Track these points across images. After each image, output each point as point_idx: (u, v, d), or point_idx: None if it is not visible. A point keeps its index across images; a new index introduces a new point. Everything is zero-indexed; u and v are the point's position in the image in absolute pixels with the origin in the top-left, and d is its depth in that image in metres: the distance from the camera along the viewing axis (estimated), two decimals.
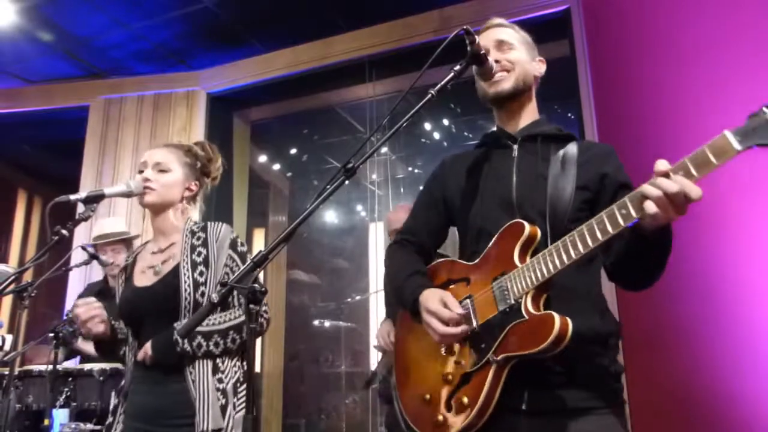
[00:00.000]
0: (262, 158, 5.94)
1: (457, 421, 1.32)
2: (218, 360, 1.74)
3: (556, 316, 1.21)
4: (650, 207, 1.10)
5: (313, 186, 6.28)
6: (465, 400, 1.32)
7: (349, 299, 5.70)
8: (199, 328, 1.69)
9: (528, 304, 1.28)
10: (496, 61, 1.50)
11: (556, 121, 1.60)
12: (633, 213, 1.14)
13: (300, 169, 6.30)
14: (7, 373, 2.77)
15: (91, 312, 1.78)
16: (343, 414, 5.54)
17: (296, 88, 4.85)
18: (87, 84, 5.12)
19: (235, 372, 1.77)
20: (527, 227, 1.34)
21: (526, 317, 1.27)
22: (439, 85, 1.36)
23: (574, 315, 1.22)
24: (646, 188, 1.11)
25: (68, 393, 2.83)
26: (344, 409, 5.54)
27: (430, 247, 1.63)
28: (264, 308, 1.79)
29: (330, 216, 6.09)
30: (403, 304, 1.55)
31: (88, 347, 3.18)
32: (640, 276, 1.35)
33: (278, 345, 5.51)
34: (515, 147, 1.51)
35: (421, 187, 1.72)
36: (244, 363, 1.81)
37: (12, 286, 1.83)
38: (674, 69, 2.92)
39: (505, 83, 1.51)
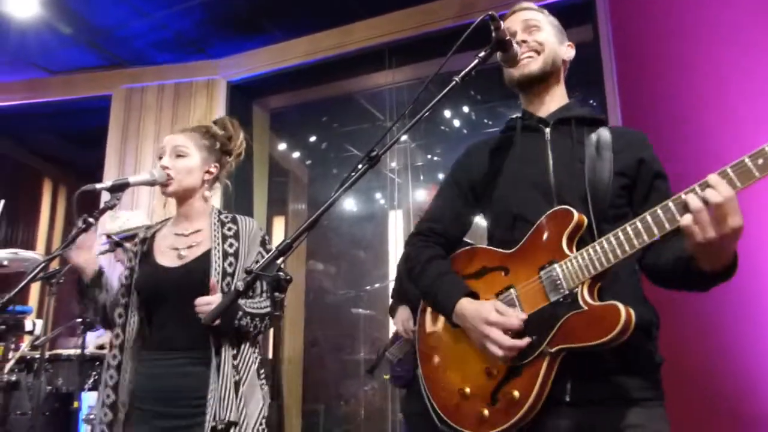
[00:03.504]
0: (282, 146, 5.97)
1: (507, 415, 1.27)
2: (241, 348, 1.75)
3: (621, 307, 1.17)
4: (686, 219, 1.10)
5: (332, 174, 6.28)
6: (516, 393, 1.27)
7: (368, 287, 5.72)
8: (248, 309, 1.72)
9: (585, 295, 1.24)
10: (524, 42, 1.47)
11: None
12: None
13: (319, 157, 6.31)
14: (38, 356, 2.85)
15: (88, 241, 1.79)
16: (362, 401, 5.58)
17: (315, 76, 4.85)
18: (109, 74, 5.17)
19: (255, 359, 1.79)
20: (575, 215, 1.30)
21: (585, 308, 1.23)
22: (463, 72, 1.34)
23: (620, 299, 1.20)
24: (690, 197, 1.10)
25: (96, 376, 2.89)
26: (363, 396, 5.58)
27: (455, 236, 1.56)
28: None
29: (349, 204, 6.10)
30: (436, 309, 1.49)
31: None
32: (678, 287, 1.33)
33: (298, 332, 5.56)
34: (547, 130, 1.47)
35: (444, 175, 1.65)
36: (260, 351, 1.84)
37: (41, 273, 1.86)
38: (702, 53, 2.86)
39: (533, 65, 1.47)
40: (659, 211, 1.16)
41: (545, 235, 1.34)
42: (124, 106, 5.09)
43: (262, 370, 1.81)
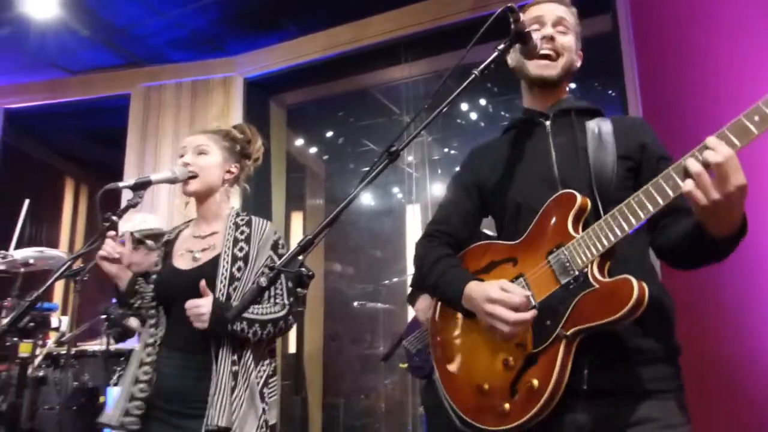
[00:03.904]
0: (299, 142, 5.98)
1: (528, 406, 1.25)
2: (243, 355, 1.76)
3: (634, 280, 1.16)
4: (688, 184, 1.10)
5: (349, 169, 6.29)
6: (535, 382, 1.25)
7: (386, 281, 5.73)
8: (246, 315, 1.72)
9: (595, 273, 1.24)
10: (550, 38, 1.47)
11: (596, 98, 1.58)
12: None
13: (336, 153, 6.32)
14: (64, 352, 2.90)
15: (113, 253, 1.82)
16: (382, 394, 5.60)
17: (331, 71, 4.85)
18: (127, 73, 5.22)
19: (265, 368, 1.80)
20: (578, 197, 1.31)
21: (596, 286, 1.22)
22: (483, 65, 1.33)
23: None
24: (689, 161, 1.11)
25: (121, 372, 2.94)
26: (383, 389, 5.60)
27: (463, 236, 1.57)
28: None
29: (367, 199, 6.11)
30: (444, 300, 1.50)
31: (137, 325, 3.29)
32: (691, 264, 1.33)
33: (317, 326, 5.59)
34: (548, 123, 1.49)
35: (449, 181, 1.67)
36: (275, 358, 1.85)
37: (66, 271, 1.89)
38: (725, 44, 2.81)
39: (552, 71, 1.48)
40: (661, 180, 1.16)
41: (550, 221, 1.34)
42: (143, 104, 5.14)
43: (273, 379, 1.81)
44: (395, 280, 5.57)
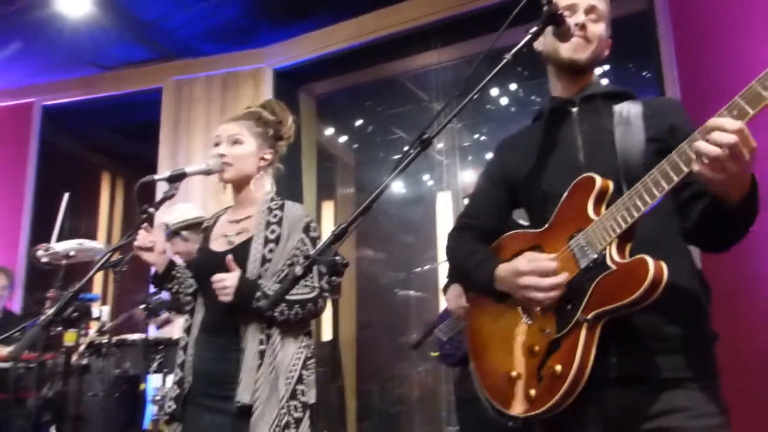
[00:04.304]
0: (328, 131, 6.00)
1: (552, 391, 1.25)
2: (271, 336, 1.78)
3: (650, 259, 1.15)
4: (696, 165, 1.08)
5: (379, 158, 6.29)
6: (558, 368, 1.25)
7: (418, 269, 5.73)
8: (269, 291, 1.75)
9: (613, 255, 1.23)
10: (582, 26, 1.45)
11: (631, 80, 1.56)
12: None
13: (366, 141, 6.32)
14: (105, 341, 2.99)
15: (146, 242, 1.86)
16: (414, 381, 5.62)
17: (360, 60, 4.83)
18: (159, 67, 5.29)
19: (302, 350, 1.83)
20: (598, 179, 1.30)
21: (614, 267, 1.21)
22: (515, 49, 1.32)
23: None
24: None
25: (160, 360, 3.01)
26: (416, 377, 5.62)
27: (493, 228, 1.57)
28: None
29: (397, 187, 6.10)
30: (476, 287, 1.52)
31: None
32: (718, 241, 1.30)
33: (350, 314, 5.64)
34: (574, 110, 1.47)
35: (479, 173, 1.69)
36: (311, 339, 1.88)
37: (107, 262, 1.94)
38: (766, 21, 2.72)
39: (583, 53, 1.45)
40: (674, 156, 1.14)
41: (572, 206, 1.34)
42: (174, 98, 5.21)
43: (311, 361, 1.84)
44: (426, 267, 5.57)
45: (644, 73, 4.38)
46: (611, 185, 1.30)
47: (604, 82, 1.74)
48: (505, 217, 1.60)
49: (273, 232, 1.86)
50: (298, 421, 1.74)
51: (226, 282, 1.73)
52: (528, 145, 1.53)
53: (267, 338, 1.77)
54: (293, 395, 1.75)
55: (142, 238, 1.85)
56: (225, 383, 1.76)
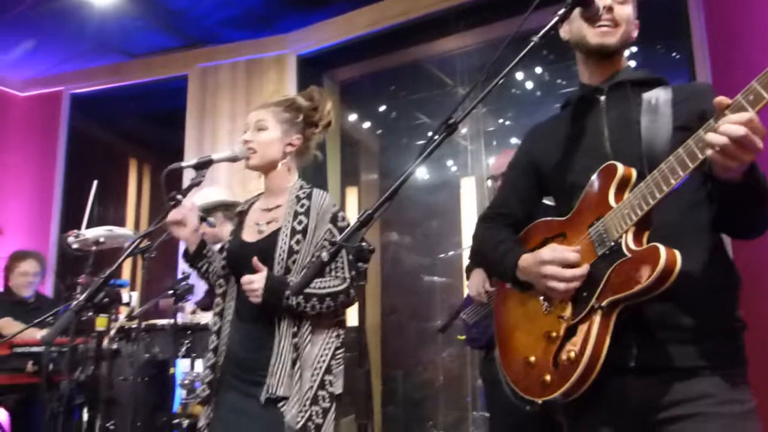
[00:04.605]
0: (352, 117, 5.99)
1: (566, 377, 1.26)
2: (302, 327, 1.80)
3: (662, 248, 1.15)
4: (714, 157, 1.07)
5: (402, 143, 6.26)
6: (572, 354, 1.26)
7: (442, 254, 5.72)
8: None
9: (629, 242, 1.22)
10: (610, 9, 1.42)
11: (660, 62, 1.52)
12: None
13: (389, 127, 6.29)
14: (135, 326, 3.05)
15: (177, 216, 1.87)
16: (440, 366, 5.64)
17: (383, 45, 4.80)
18: (184, 54, 5.33)
19: (332, 340, 1.84)
20: (620, 167, 1.29)
21: (629, 255, 1.21)
22: (542, 31, 1.30)
23: (683, 255, 1.15)
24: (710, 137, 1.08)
25: (188, 344, 3.06)
26: (441, 362, 5.63)
27: (522, 217, 1.58)
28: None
29: (421, 172, 6.08)
30: (501, 275, 1.52)
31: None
32: (742, 225, 1.29)
33: (375, 300, 5.66)
34: (602, 98, 1.45)
35: (517, 141, 1.70)
36: (343, 329, 1.89)
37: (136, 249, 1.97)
38: None
39: (612, 38, 1.42)
40: (691, 143, 1.12)
41: (594, 194, 1.34)
42: (200, 85, 5.25)
43: (340, 351, 1.85)
44: (451, 253, 5.56)
45: (674, 55, 4.27)
46: (634, 173, 1.29)
47: (632, 64, 1.69)
48: (534, 205, 1.60)
49: (300, 222, 1.86)
50: (325, 411, 1.76)
51: (255, 285, 1.75)
52: (556, 134, 1.52)
53: (298, 330, 1.79)
54: (321, 385, 1.77)
55: (174, 212, 1.86)
56: (256, 370, 1.79)
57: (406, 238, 6.11)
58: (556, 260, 1.31)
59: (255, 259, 1.78)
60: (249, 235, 1.94)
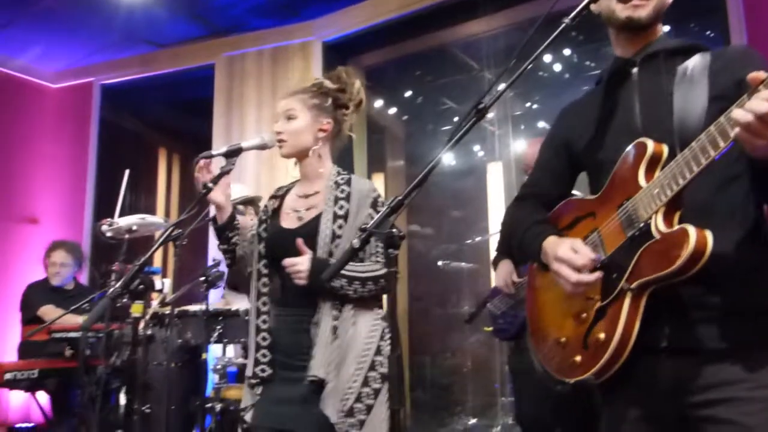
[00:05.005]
0: (377, 103, 5.97)
1: (595, 359, 1.25)
2: (343, 311, 1.82)
3: (691, 229, 1.11)
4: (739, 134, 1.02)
5: (428, 129, 6.23)
6: (602, 336, 1.25)
7: (469, 240, 5.70)
8: (344, 272, 1.77)
9: (658, 224, 1.19)
10: None
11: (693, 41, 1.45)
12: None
13: (415, 112, 6.25)
14: (168, 313, 3.11)
15: (207, 177, 1.89)
16: (467, 353, 5.64)
17: (409, 29, 4.77)
18: (211, 43, 5.37)
19: (378, 322, 1.86)
20: (650, 145, 1.24)
21: (658, 237, 1.18)
22: (574, 12, 1.27)
23: (715, 235, 1.12)
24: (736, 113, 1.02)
25: (220, 330, 3.11)
26: (468, 348, 5.63)
27: (554, 196, 1.55)
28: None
29: (447, 158, 6.05)
30: (528, 257, 1.51)
31: (238, 302, 3.46)
32: None
33: (402, 286, 5.68)
34: (635, 70, 1.40)
35: (546, 125, 1.67)
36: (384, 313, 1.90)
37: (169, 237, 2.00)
38: None
39: (643, 11, 1.36)
40: (723, 120, 1.07)
41: (624, 173, 1.30)
42: (227, 73, 5.28)
43: (388, 332, 1.84)
44: (478, 239, 5.53)
45: (708, 33, 4.16)
46: (665, 150, 1.24)
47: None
48: (567, 185, 1.57)
49: (342, 207, 1.87)
50: (377, 392, 1.77)
51: (300, 266, 1.76)
52: (588, 110, 1.48)
53: (340, 313, 1.81)
54: (372, 367, 1.79)
55: (206, 174, 1.88)
56: (300, 354, 1.81)
57: (432, 224, 6.10)
58: (568, 261, 1.30)
59: (300, 241, 1.79)
60: (288, 222, 1.95)
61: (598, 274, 1.27)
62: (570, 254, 1.30)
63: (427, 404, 5.64)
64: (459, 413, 5.43)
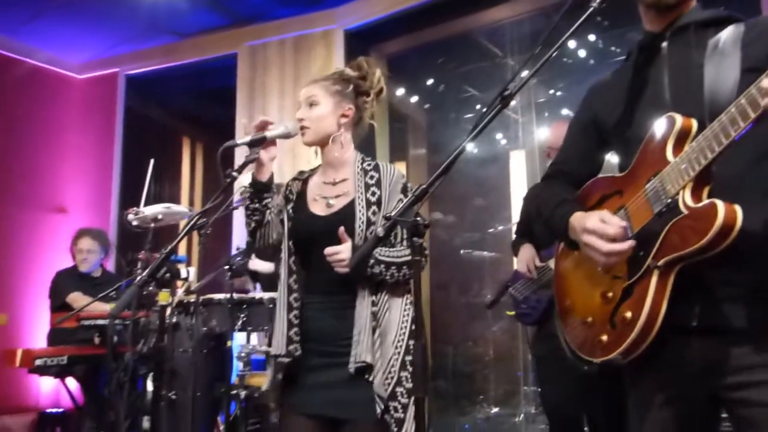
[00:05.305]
0: (399, 92, 5.94)
1: (621, 338, 1.24)
2: (380, 296, 1.83)
3: (720, 204, 1.09)
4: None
5: (450, 117, 6.18)
6: (628, 315, 1.24)
7: (491, 229, 5.67)
8: (380, 257, 1.79)
9: (686, 199, 1.16)
10: None
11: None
12: None
13: (437, 101, 6.21)
14: (193, 301, 3.14)
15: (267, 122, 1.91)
16: (490, 341, 5.63)
17: (431, 16, 4.73)
18: (233, 33, 5.39)
19: (409, 306, 1.86)
20: (678, 119, 1.22)
21: (686, 212, 1.16)
22: None
23: (745, 211, 1.09)
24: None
25: (244, 318, 3.14)
26: (491, 337, 5.62)
27: (585, 174, 1.52)
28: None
29: (470, 146, 5.97)
30: (555, 235, 1.49)
31: (262, 266, 3.47)
32: None
33: (424, 274, 5.67)
34: (664, 44, 1.36)
35: (570, 113, 1.64)
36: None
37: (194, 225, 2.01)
38: None
39: None
40: (753, 90, 1.04)
41: (652, 148, 1.27)
42: (249, 63, 5.30)
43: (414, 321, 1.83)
44: (500, 228, 5.50)
45: (740, 4, 4.03)
46: (695, 124, 1.21)
47: None
48: (596, 164, 1.55)
49: (374, 194, 1.88)
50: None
51: (342, 255, 1.77)
52: (617, 87, 1.45)
53: (376, 298, 1.82)
54: (408, 351, 1.79)
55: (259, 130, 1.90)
56: (337, 341, 1.82)
57: (454, 213, 6.07)
58: (597, 231, 1.27)
59: (341, 230, 1.79)
60: (317, 208, 1.95)
61: (630, 243, 1.24)
62: (600, 224, 1.27)
63: (449, 393, 5.65)
64: (481, 402, 5.43)
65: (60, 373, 3.60)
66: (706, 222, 1.10)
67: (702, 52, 1.29)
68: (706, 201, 1.14)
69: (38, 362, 3.42)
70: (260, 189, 1.95)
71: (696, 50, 1.30)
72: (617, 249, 1.24)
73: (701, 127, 1.18)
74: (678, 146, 1.22)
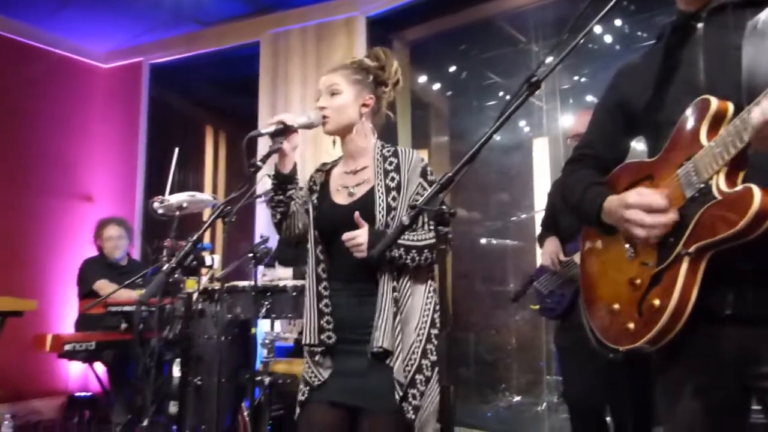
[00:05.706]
0: (421, 79, 5.90)
1: (649, 326, 1.22)
2: (401, 281, 1.82)
3: (756, 189, 1.06)
4: None
5: (473, 105, 6.13)
6: (656, 302, 1.21)
7: (514, 218, 5.63)
8: (400, 242, 1.78)
9: (720, 184, 1.13)
10: None
11: None
12: None
13: (459, 88, 6.16)
14: (218, 288, 3.18)
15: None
16: (512, 330, 5.61)
17: (453, 3, 4.69)
18: (255, 21, 5.39)
19: (432, 293, 1.85)
20: (714, 101, 1.18)
21: (719, 197, 1.12)
22: None
23: None
24: None
25: (268, 305, 3.17)
26: (513, 326, 5.60)
27: (611, 159, 1.49)
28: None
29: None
30: (585, 218, 1.47)
31: (285, 273, 3.50)
32: None
33: (446, 263, 5.65)
34: (700, 26, 1.31)
35: (595, 99, 1.60)
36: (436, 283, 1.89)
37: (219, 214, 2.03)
38: None
39: None
40: None
41: (685, 132, 1.23)
42: (271, 51, 5.29)
43: (439, 310, 1.83)
44: (523, 216, 5.46)
45: None
46: (731, 107, 1.17)
47: None
48: (622, 148, 1.52)
49: (393, 179, 1.89)
50: (434, 365, 1.79)
51: (359, 239, 1.77)
52: (648, 69, 1.41)
53: (398, 284, 1.82)
54: (428, 339, 1.80)
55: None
56: (360, 327, 1.83)
57: (477, 201, 6.04)
58: (640, 204, 1.23)
59: (357, 214, 1.80)
60: (339, 198, 1.97)
61: (673, 215, 1.20)
62: (640, 198, 1.24)
63: (471, 381, 5.65)
64: (503, 391, 5.43)
65: (88, 358, 3.68)
66: (741, 208, 1.07)
67: (740, 34, 1.24)
68: (740, 186, 1.11)
69: (67, 347, 3.50)
70: (283, 180, 1.96)
71: (734, 31, 1.25)
72: (662, 221, 1.20)
73: (737, 111, 1.14)
74: (713, 130, 1.18)
